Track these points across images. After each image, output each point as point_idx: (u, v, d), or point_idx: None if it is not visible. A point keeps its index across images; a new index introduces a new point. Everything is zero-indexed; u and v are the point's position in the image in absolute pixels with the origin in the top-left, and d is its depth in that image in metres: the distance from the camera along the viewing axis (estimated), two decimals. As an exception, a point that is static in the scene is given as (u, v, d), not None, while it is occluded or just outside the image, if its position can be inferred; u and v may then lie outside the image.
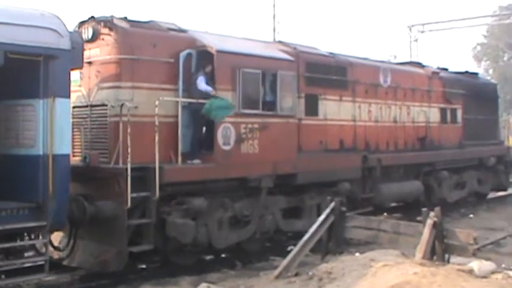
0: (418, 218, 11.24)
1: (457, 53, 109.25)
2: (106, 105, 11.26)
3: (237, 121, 12.28)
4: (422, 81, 18.62)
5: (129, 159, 10.51)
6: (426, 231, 9.91)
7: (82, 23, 11.64)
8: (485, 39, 72.01)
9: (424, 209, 10.35)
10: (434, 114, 18.99)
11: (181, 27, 12.49)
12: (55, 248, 10.88)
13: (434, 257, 9.87)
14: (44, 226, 9.48)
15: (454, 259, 10.08)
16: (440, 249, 9.95)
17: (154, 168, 10.85)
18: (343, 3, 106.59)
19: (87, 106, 11.58)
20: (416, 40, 46.80)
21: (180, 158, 11.51)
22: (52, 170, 9.32)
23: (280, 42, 14.74)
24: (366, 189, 15.90)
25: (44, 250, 9.96)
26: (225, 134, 12.08)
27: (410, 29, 46.13)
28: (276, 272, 10.39)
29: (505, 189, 23.14)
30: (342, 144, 15.47)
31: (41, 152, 9.36)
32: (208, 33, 13.15)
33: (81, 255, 11.09)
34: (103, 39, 11.39)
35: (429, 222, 9.96)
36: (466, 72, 22.30)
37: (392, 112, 17.29)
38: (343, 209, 11.62)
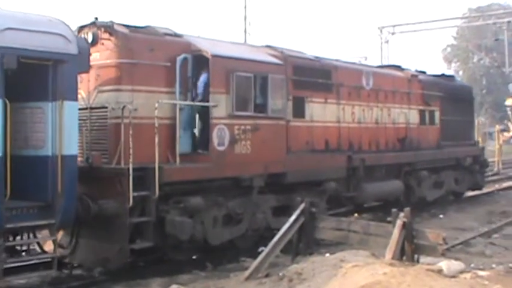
0: (388, 219, 11.36)
1: (427, 54, 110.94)
2: (106, 108, 11.66)
3: (231, 123, 12.78)
4: (402, 84, 19.27)
5: (131, 160, 10.93)
6: (396, 232, 10.00)
7: (82, 27, 12.01)
8: (455, 41, 73.27)
9: (393, 210, 10.48)
10: (413, 116, 19.65)
11: (176, 32, 12.94)
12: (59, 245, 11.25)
13: (404, 257, 9.96)
14: (52, 224, 9.90)
15: (424, 259, 10.20)
16: (410, 250, 10.05)
17: (154, 168, 11.29)
18: (315, 5, 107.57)
19: (86, 108, 11.95)
20: (387, 41, 47.49)
21: (178, 159, 11.95)
22: (61, 170, 9.74)
23: (268, 46, 15.20)
24: (349, 188, 16.46)
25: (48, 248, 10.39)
26: (219, 135, 12.56)
27: (381, 31, 46.80)
28: (247, 273, 10.49)
29: (480, 188, 23.90)
30: (327, 145, 16.03)
31: (49, 153, 9.78)
32: (201, 37, 13.61)
33: (82, 253, 11.48)
34: (103, 43, 11.77)
35: (399, 222, 10.06)
36: (443, 75, 23.06)
37: (374, 114, 17.89)
38: (313, 210, 11.79)
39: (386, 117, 18.41)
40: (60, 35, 9.85)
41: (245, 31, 44.02)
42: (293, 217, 11.52)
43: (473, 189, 23.49)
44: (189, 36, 13.10)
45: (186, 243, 12.09)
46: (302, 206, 11.64)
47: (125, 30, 11.84)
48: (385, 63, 42.80)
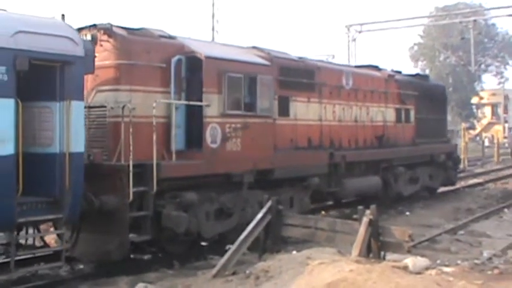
0: (355, 216, 11.41)
1: (394, 53, 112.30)
2: (105, 107, 12.14)
3: (222, 121, 13.37)
4: (380, 84, 20.03)
5: (131, 157, 11.44)
6: (362, 229, 10.07)
7: (81, 29, 12.42)
8: (422, 39, 74.09)
9: (360, 207, 10.63)
10: (390, 114, 20.43)
11: (170, 34, 13.47)
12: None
13: (370, 255, 10.02)
14: (60, 219, 10.38)
15: (390, 256, 10.31)
16: (376, 247, 10.10)
17: (152, 165, 11.82)
18: (283, 3, 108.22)
19: (85, 107, 12.39)
20: (354, 40, 47.89)
21: (174, 156, 12.50)
22: (68, 166, 10.21)
23: (254, 47, 15.78)
24: (331, 183, 17.15)
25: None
26: (212, 133, 13.13)
27: (348, 29, 46.83)
28: (214, 270, 10.48)
29: (453, 184, 24.83)
30: (310, 142, 16.69)
31: (57, 150, 10.23)
32: (193, 39, 14.16)
33: (83, 247, 11.94)
34: (101, 45, 12.21)
35: (365, 220, 10.12)
36: (418, 74, 23.92)
37: (354, 112, 18.61)
38: (280, 207, 11.87)
39: (365, 116, 19.15)
40: (68, 37, 10.33)
41: (213, 29, 44.44)
42: (260, 215, 11.58)
43: (446, 185, 24.35)
44: (182, 38, 13.63)
45: (181, 236, 12.62)
46: (269, 203, 11.68)
47: (123, 33, 12.35)
48: (352, 61, 43.53)
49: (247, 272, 9.98)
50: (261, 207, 14.47)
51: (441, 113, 24.12)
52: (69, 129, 10.22)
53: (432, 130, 22.80)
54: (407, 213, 19.85)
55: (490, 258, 13.03)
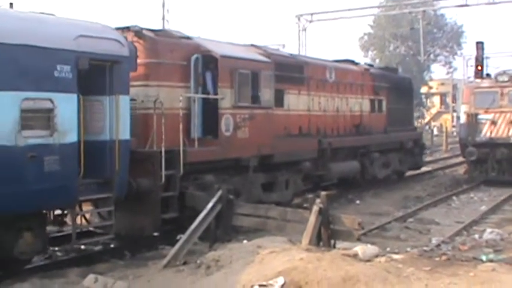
0: (305, 205, 11.65)
1: (344, 42, 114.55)
2: (135, 100, 13.73)
3: (234, 112, 15.16)
4: (357, 77, 22.10)
5: (163, 144, 13.09)
6: (312, 218, 10.17)
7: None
8: (372, 29, 75.39)
9: (310, 196, 11.10)
10: (365, 105, 22.53)
11: (187, 35, 15.12)
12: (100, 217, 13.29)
13: (321, 243, 10.18)
14: (110, 197, 11.97)
15: (340, 244, 10.37)
16: (326, 235, 10.24)
17: (179, 151, 13.49)
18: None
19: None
20: (304, 29, 48.68)
21: (196, 143, 14.19)
22: (118, 151, 11.80)
23: (252, 45, 17.56)
24: (318, 167, 19.08)
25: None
26: (226, 123, 14.90)
27: (298, 19, 46.17)
28: (165, 261, 10.49)
29: (419, 168, 27.11)
30: (300, 130, 18.65)
31: (108, 138, 11.81)
32: (204, 39, 15.81)
33: (119, 224, 13.49)
34: (132, 45, 13.81)
35: (315, 208, 10.23)
36: (387, 67, 26.00)
37: (336, 103, 20.62)
38: (231, 196, 12.08)
39: (345, 106, 21.17)
40: (116, 40, 11.90)
41: (163, 18, 44.87)
42: (210, 204, 11.64)
43: (413, 169, 26.58)
44: (197, 38, 15.31)
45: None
46: (219, 193, 11.82)
47: (151, 34, 13.96)
48: (303, 51, 44.34)
49: (198, 261, 9.96)
50: (263, 188, 16.47)
51: (408, 103, 26.43)
52: (118, 120, 11.79)
53: (401, 119, 25.06)
54: (357, 201, 20.38)
55: (438, 245, 13.59)
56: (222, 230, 11.71)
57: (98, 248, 13.22)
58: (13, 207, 10.15)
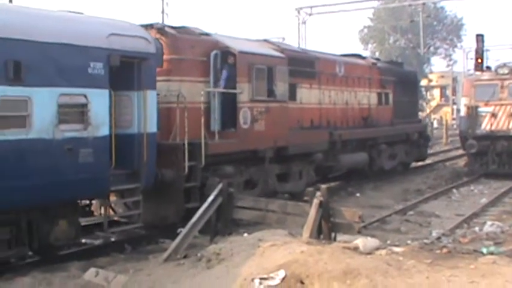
0: (305, 198, 11.41)
1: (344, 35, 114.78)
2: (158, 94, 14.31)
3: (251, 106, 15.77)
4: (365, 71, 22.72)
5: (186, 136, 13.69)
6: (312, 211, 10.12)
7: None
8: (372, 22, 75.49)
9: (309, 189, 10.80)
10: (373, 98, 23.16)
11: (206, 32, 15.71)
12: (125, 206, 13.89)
13: (321, 236, 10.15)
14: (138, 188, 12.58)
15: (341, 237, 10.33)
16: (327, 228, 10.20)
17: (201, 143, 14.10)
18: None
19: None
20: (304, 22, 48.80)
21: (217, 135, 14.79)
22: (146, 144, 12.40)
23: (265, 40, 18.17)
24: (329, 159, 19.71)
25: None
26: (244, 116, 15.51)
27: (298, 12, 46.21)
28: (165, 254, 10.44)
29: (424, 160, 27.72)
30: (312, 123, 19.29)
31: (136, 131, 12.41)
32: (221, 35, 16.38)
33: (144, 213, 14.13)
34: (155, 42, 14.39)
35: (315, 201, 10.17)
36: (393, 61, 26.61)
37: (345, 96, 21.25)
38: (231, 190, 12.00)
39: (354, 99, 21.80)
40: (143, 37, 12.49)
41: (163, 11, 44.81)
42: (211, 197, 11.59)
43: (419, 161, 27.21)
44: (215, 35, 15.90)
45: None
46: (220, 186, 11.76)
47: (173, 32, 14.55)
48: (302, 44, 44.55)
49: (199, 255, 9.91)
50: (278, 179, 17.08)
51: (414, 96, 27.07)
52: (146, 114, 12.39)
53: (407, 111, 25.67)
54: (358, 194, 20.45)
55: (438, 238, 13.68)
56: (223, 223, 11.75)
57: (98, 241, 13.26)
58: (51, 197, 10.79)
